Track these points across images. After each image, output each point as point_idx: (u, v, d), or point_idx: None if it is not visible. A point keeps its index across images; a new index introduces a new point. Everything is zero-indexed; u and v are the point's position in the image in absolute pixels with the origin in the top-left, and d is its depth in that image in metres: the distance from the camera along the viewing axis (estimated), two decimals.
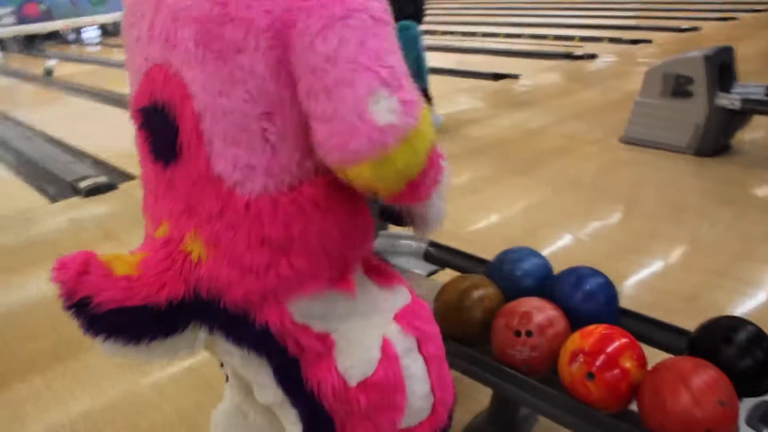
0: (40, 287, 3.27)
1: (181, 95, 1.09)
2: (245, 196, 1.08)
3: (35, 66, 12.55)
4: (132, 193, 4.61)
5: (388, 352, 1.20)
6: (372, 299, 1.27)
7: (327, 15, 0.99)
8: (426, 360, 1.26)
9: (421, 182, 1.06)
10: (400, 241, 2.52)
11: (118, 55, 11.73)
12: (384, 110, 0.95)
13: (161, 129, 1.14)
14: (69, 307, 1.07)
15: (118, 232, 3.97)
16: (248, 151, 1.06)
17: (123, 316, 1.07)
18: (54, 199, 4.80)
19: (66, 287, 1.06)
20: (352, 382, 1.18)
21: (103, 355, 2.59)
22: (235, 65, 1.03)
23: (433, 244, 2.48)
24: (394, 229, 2.28)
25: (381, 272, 1.33)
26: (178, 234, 1.14)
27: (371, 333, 1.22)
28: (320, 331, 1.17)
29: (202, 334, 1.16)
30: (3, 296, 3.35)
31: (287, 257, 1.09)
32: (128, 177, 4.93)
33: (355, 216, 1.18)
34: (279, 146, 1.07)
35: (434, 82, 5.58)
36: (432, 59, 5.57)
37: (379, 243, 2.53)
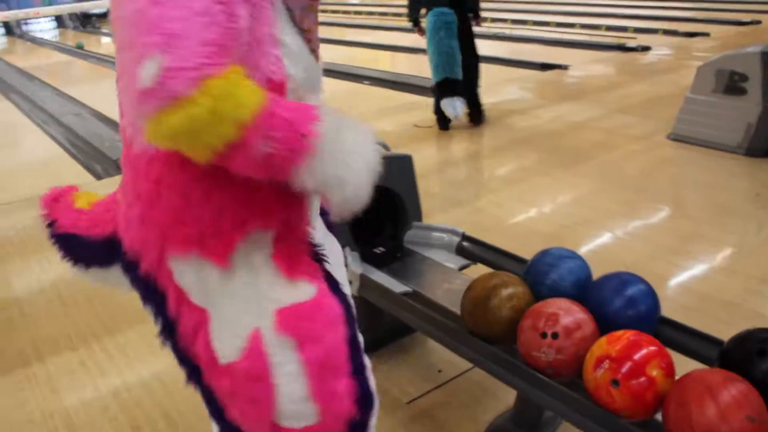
0: None
1: None
2: (136, 152, 1.17)
3: (90, 43, 12.80)
4: None
5: (254, 345, 1.16)
6: (257, 285, 1.21)
7: None
8: (305, 363, 1.17)
9: (235, 156, 1.01)
10: (432, 233, 2.50)
11: None
12: (147, 75, 0.94)
13: None
14: (46, 226, 1.37)
15: None
16: (131, 104, 1.11)
17: (72, 241, 1.34)
18: (100, 177, 4.90)
19: (43, 209, 1.37)
20: (221, 361, 1.19)
21: (136, 335, 2.62)
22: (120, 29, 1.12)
23: (466, 237, 2.45)
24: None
25: (290, 261, 1.24)
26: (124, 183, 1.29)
27: (244, 320, 1.18)
28: (197, 304, 1.20)
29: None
30: (47, 272, 3.43)
31: (153, 212, 1.16)
32: None
33: (244, 190, 1.13)
34: None
35: (481, 71, 5.52)
36: (480, 48, 5.51)
37: (411, 234, 2.51)
